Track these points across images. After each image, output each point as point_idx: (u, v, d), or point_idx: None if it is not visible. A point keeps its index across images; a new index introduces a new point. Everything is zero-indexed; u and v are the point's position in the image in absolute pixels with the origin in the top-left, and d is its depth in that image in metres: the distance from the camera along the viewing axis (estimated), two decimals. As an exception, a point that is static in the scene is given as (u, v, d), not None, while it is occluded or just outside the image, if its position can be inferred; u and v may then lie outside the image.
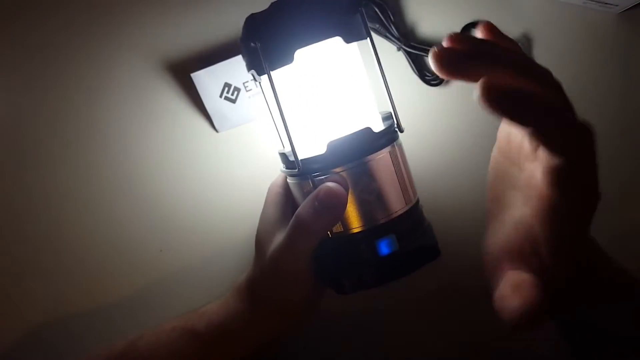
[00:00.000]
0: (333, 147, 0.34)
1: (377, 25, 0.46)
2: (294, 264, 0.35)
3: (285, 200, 0.38)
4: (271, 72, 0.35)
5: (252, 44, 0.35)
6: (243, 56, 0.38)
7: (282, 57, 0.34)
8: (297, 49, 0.34)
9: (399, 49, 0.46)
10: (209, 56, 0.47)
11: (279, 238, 0.35)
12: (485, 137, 0.46)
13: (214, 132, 0.47)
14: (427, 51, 0.46)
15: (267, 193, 0.40)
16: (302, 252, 0.35)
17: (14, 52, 0.48)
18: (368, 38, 0.37)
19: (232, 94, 0.46)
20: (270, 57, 0.34)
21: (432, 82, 0.46)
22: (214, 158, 0.48)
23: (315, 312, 0.40)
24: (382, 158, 0.35)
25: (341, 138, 0.34)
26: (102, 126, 0.48)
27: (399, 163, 0.36)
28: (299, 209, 0.34)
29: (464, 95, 0.47)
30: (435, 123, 0.47)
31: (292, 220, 0.34)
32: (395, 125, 0.37)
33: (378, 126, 0.37)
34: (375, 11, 0.46)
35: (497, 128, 0.46)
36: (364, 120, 0.36)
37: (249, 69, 0.37)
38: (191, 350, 0.38)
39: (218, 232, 0.47)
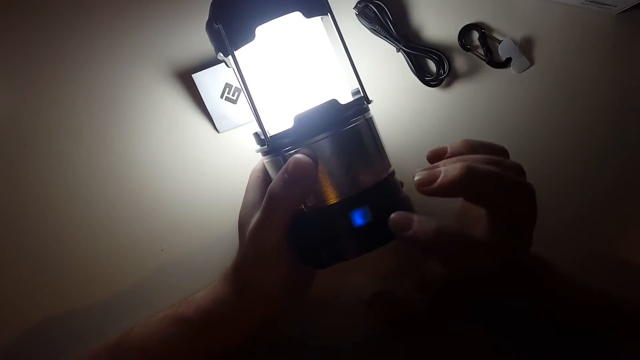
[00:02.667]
0: (300, 120, 0.34)
1: (377, 26, 0.46)
2: (270, 239, 0.35)
3: (264, 184, 0.39)
4: (235, 52, 0.35)
5: (215, 25, 0.35)
6: (210, 40, 0.38)
7: (244, 35, 0.35)
8: (257, 26, 0.34)
9: (398, 50, 0.46)
10: (210, 57, 0.47)
11: (256, 217, 0.35)
12: (485, 138, 0.46)
13: (215, 132, 0.48)
14: (426, 52, 0.46)
15: (249, 179, 0.41)
16: (277, 226, 0.35)
17: (14, 52, 0.48)
18: (329, 13, 0.37)
19: (233, 95, 0.47)
20: (233, 36, 0.35)
21: (432, 83, 0.46)
22: (214, 158, 0.48)
23: (302, 298, 0.40)
24: (351, 129, 0.35)
25: (307, 111, 0.35)
26: (103, 126, 0.48)
27: (370, 135, 0.36)
28: (271, 183, 0.35)
29: (463, 95, 0.47)
30: (435, 123, 0.47)
31: (265, 197, 0.35)
32: (363, 98, 0.37)
33: (346, 99, 0.37)
34: (375, 12, 0.46)
35: (496, 129, 0.47)
36: (331, 93, 0.36)
37: (216, 52, 0.38)
38: (181, 336, 0.38)
39: (218, 232, 0.47)
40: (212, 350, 0.39)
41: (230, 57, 0.36)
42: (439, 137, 0.47)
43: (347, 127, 0.35)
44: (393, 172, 0.38)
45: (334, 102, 0.35)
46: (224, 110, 0.47)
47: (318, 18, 0.38)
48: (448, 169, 0.32)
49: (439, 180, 0.32)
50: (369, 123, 0.37)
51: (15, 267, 0.48)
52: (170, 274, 0.47)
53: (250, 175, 0.41)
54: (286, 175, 0.34)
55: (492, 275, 0.33)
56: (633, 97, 0.46)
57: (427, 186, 0.32)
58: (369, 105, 0.37)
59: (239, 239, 0.39)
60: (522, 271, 0.35)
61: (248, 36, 0.35)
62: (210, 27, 0.37)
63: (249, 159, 0.47)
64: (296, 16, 0.36)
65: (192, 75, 0.47)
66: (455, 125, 0.47)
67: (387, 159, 0.37)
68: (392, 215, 0.33)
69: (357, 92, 0.38)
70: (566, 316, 0.35)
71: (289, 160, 0.34)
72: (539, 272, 0.35)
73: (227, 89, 0.47)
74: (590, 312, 0.35)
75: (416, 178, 0.33)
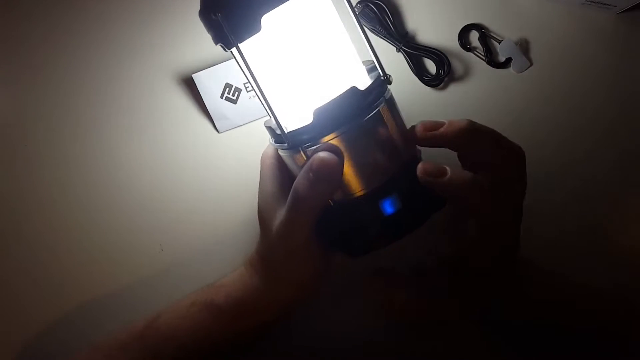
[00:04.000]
0: (320, 114, 0.32)
1: (377, 26, 0.46)
2: (300, 237, 0.35)
3: (280, 172, 0.38)
4: (239, 45, 0.32)
5: (213, 16, 0.31)
6: (207, 30, 0.34)
7: (249, 26, 0.31)
8: (263, 15, 0.31)
9: (398, 50, 0.46)
10: (211, 57, 0.47)
11: (281, 213, 0.35)
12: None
13: (215, 132, 0.48)
14: (426, 52, 0.46)
15: (261, 165, 0.39)
16: (305, 225, 0.34)
17: (14, 53, 0.48)
18: None
19: (233, 95, 0.47)
20: (235, 27, 0.31)
21: (432, 83, 0.46)
22: (215, 158, 0.48)
23: (325, 280, 0.40)
24: (373, 116, 0.33)
25: (327, 104, 0.32)
26: (103, 126, 0.48)
27: (391, 118, 0.34)
28: (295, 182, 0.33)
29: (463, 96, 0.47)
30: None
31: (290, 195, 0.34)
32: (382, 77, 0.35)
33: (364, 81, 0.35)
34: (375, 12, 0.46)
35: (496, 129, 0.47)
36: (349, 78, 0.33)
37: (215, 42, 0.34)
38: (213, 323, 0.38)
39: (219, 232, 0.47)
40: (242, 336, 0.40)
41: (233, 49, 0.33)
42: (439, 137, 0.47)
43: (370, 114, 0.32)
44: (419, 152, 0.37)
45: (354, 90, 0.32)
46: (224, 110, 0.47)
47: (328, 0, 0.35)
48: (453, 120, 0.33)
49: (443, 127, 0.33)
50: (390, 103, 0.34)
51: (15, 266, 0.48)
52: (170, 274, 0.47)
53: (262, 161, 0.39)
54: (311, 174, 0.32)
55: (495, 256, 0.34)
56: (633, 97, 0.46)
57: (430, 131, 0.33)
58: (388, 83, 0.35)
59: (261, 229, 0.39)
60: (514, 266, 0.35)
61: (254, 27, 0.31)
62: (206, 17, 0.33)
63: (249, 159, 0.47)
64: (303, 1, 0.32)
65: (192, 75, 0.47)
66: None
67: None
68: (421, 165, 0.33)
69: (373, 68, 0.35)
70: (554, 315, 0.36)
71: (313, 159, 0.32)
72: (527, 271, 0.36)
73: (228, 89, 0.47)
74: (577, 310, 0.36)
75: (420, 123, 0.33)
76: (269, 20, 0.31)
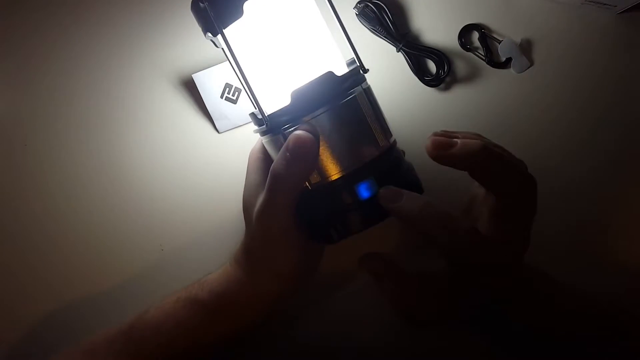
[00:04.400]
0: (297, 96, 0.34)
1: (377, 26, 0.46)
2: (277, 219, 0.35)
3: (265, 164, 0.39)
4: (224, 30, 0.34)
5: (201, 4, 0.34)
6: (197, 21, 0.37)
7: (231, 12, 0.34)
8: (245, 1, 0.34)
9: (398, 50, 0.46)
10: (210, 57, 0.47)
11: (260, 198, 0.35)
12: (485, 137, 0.46)
13: (215, 132, 0.48)
14: (426, 52, 0.46)
15: (248, 160, 0.40)
16: (283, 206, 0.35)
17: (15, 53, 0.48)
18: None
19: (233, 95, 0.47)
20: (220, 14, 0.34)
21: (432, 83, 0.46)
22: (214, 158, 0.48)
23: (311, 276, 0.40)
24: (349, 101, 0.34)
25: (304, 86, 0.34)
26: (103, 126, 0.48)
27: (369, 105, 0.35)
28: (273, 163, 0.34)
29: (463, 96, 0.47)
30: (435, 124, 0.47)
31: (268, 177, 0.34)
32: (359, 67, 0.36)
33: (341, 70, 0.36)
34: (375, 12, 0.46)
35: (496, 129, 0.47)
36: (327, 66, 0.35)
37: (204, 32, 0.37)
38: (196, 318, 0.39)
39: (219, 232, 0.47)
40: (225, 331, 0.39)
41: (219, 36, 0.35)
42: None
43: (346, 99, 0.34)
44: (395, 141, 0.37)
45: (330, 75, 0.34)
46: (224, 110, 0.47)
47: None
48: (466, 141, 0.32)
49: (456, 148, 0.32)
50: (367, 93, 0.36)
51: (15, 266, 0.48)
52: (170, 273, 0.47)
53: (250, 156, 0.40)
54: (288, 154, 0.33)
55: (483, 265, 0.33)
56: (633, 97, 0.46)
57: (441, 150, 0.32)
58: (365, 74, 0.37)
59: (245, 222, 0.39)
60: (520, 270, 0.35)
61: (236, 13, 0.34)
62: (195, 7, 0.36)
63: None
64: None
65: (192, 75, 0.47)
66: (456, 126, 0.47)
67: (389, 128, 0.37)
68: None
69: (352, 62, 0.37)
70: (555, 320, 0.36)
71: (289, 138, 0.33)
72: (531, 275, 0.36)
73: (227, 88, 0.47)
74: (578, 315, 0.36)
75: (431, 139, 0.33)
76: (250, 6, 0.34)
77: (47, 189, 0.48)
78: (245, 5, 0.34)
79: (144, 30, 0.48)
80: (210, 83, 0.46)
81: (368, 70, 0.37)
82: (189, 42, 0.47)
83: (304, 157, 0.33)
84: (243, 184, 0.47)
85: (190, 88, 0.47)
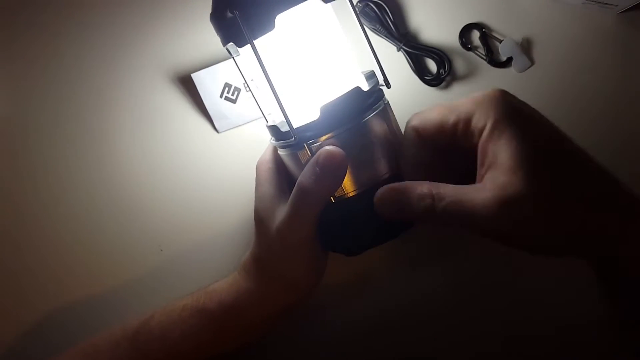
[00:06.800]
0: (326, 111, 0.34)
1: (377, 26, 0.46)
2: (300, 232, 0.35)
3: (278, 175, 0.38)
4: (253, 42, 0.34)
5: (230, 14, 0.33)
6: (218, 30, 0.36)
7: (263, 24, 0.33)
8: (277, 14, 0.33)
9: (399, 50, 0.46)
10: (210, 56, 0.47)
11: (282, 211, 0.35)
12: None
13: (215, 132, 0.47)
14: (427, 52, 0.46)
15: (257, 171, 0.39)
16: (308, 219, 0.34)
17: (14, 53, 0.48)
18: None
19: (233, 94, 0.47)
20: (251, 25, 0.33)
21: (432, 82, 0.46)
22: (214, 158, 0.48)
23: (317, 285, 0.40)
24: (374, 116, 0.34)
25: (333, 101, 0.34)
26: (102, 126, 0.48)
27: (390, 119, 0.36)
28: (300, 177, 0.34)
29: (464, 95, 0.47)
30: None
31: (294, 189, 0.34)
32: (382, 81, 0.37)
33: (364, 85, 0.36)
34: (375, 11, 0.46)
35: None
36: (351, 80, 0.35)
37: (225, 42, 0.36)
38: (204, 329, 0.38)
39: (218, 232, 0.47)
40: (232, 343, 0.40)
41: (245, 47, 0.34)
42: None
43: (372, 114, 0.34)
44: None
45: (358, 90, 0.34)
46: (223, 110, 0.47)
47: (329, 5, 0.36)
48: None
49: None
50: (388, 107, 0.36)
51: (14, 267, 0.48)
52: (170, 274, 0.47)
53: (259, 166, 0.40)
54: (317, 169, 0.33)
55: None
56: (634, 97, 0.46)
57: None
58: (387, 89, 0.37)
59: (257, 233, 0.38)
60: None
61: (268, 25, 0.33)
62: (219, 17, 0.35)
63: (248, 159, 0.47)
64: (314, 2, 0.34)
65: (191, 75, 0.46)
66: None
67: None
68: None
69: (371, 75, 0.38)
70: None
71: (319, 153, 0.33)
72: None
73: (227, 88, 0.46)
74: None
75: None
76: (281, 19, 0.33)
77: (45, 189, 0.48)
78: (277, 18, 0.33)
79: (143, 30, 0.47)
80: (210, 82, 0.46)
81: (391, 86, 0.37)
82: (188, 41, 0.47)
83: (334, 172, 0.33)
84: (243, 183, 0.47)
85: (189, 87, 0.47)
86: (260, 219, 0.38)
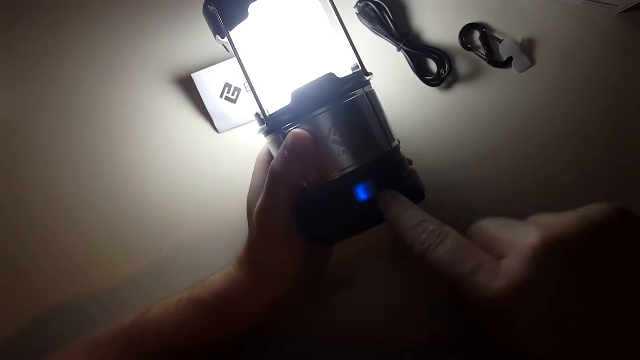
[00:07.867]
0: (297, 96, 0.34)
1: (377, 26, 0.46)
2: (276, 217, 0.35)
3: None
4: (230, 32, 0.36)
5: (210, 7, 0.36)
6: (209, 26, 0.39)
7: (237, 13, 0.36)
8: (250, 3, 0.35)
9: (399, 49, 0.46)
10: (210, 56, 0.47)
11: (260, 198, 0.36)
12: (485, 136, 0.46)
13: (214, 132, 0.47)
14: (427, 51, 0.46)
15: (255, 163, 0.40)
16: (281, 204, 0.35)
17: (14, 54, 0.48)
18: None
19: (233, 94, 0.46)
20: (227, 16, 0.36)
21: (432, 82, 0.46)
22: (214, 158, 0.48)
23: (320, 277, 0.40)
24: (349, 103, 0.34)
25: (304, 86, 0.34)
26: (102, 126, 0.48)
27: (370, 108, 0.36)
28: (271, 162, 0.35)
29: (464, 95, 0.47)
30: (435, 123, 0.47)
31: (267, 175, 0.35)
32: (361, 70, 0.37)
33: (345, 74, 0.36)
34: (375, 11, 0.46)
35: (497, 128, 0.47)
36: (329, 68, 0.35)
37: (214, 35, 0.38)
38: (197, 319, 0.39)
39: (219, 232, 0.47)
40: (226, 333, 0.39)
41: (226, 38, 0.37)
42: (440, 137, 0.47)
43: (346, 100, 0.34)
44: (397, 147, 0.37)
45: (330, 76, 0.34)
46: (223, 110, 0.47)
47: None
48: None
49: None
50: (369, 96, 0.36)
51: (15, 267, 0.48)
52: (170, 274, 0.47)
53: (257, 159, 0.41)
54: (285, 152, 0.34)
55: None
56: (634, 97, 0.46)
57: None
58: (369, 79, 0.37)
59: (249, 224, 0.39)
60: None
61: (242, 14, 0.35)
62: (206, 11, 0.38)
63: (248, 159, 0.47)
64: None
65: (191, 75, 0.46)
66: (456, 125, 0.47)
67: (391, 133, 0.37)
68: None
69: (357, 67, 0.38)
70: None
71: (287, 136, 0.34)
72: None
73: (227, 88, 0.46)
74: None
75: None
76: (256, 8, 0.36)
77: (45, 189, 0.48)
78: (251, 7, 0.35)
79: (143, 30, 0.47)
80: (210, 82, 0.46)
81: (371, 73, 0.37)
82: (188, 41, 0.47)
83: (301, 155, 0.33)
84: (243, 184, 0.46)
85: (189, 87, 0.47)
86: (249, 209, 0.38)
